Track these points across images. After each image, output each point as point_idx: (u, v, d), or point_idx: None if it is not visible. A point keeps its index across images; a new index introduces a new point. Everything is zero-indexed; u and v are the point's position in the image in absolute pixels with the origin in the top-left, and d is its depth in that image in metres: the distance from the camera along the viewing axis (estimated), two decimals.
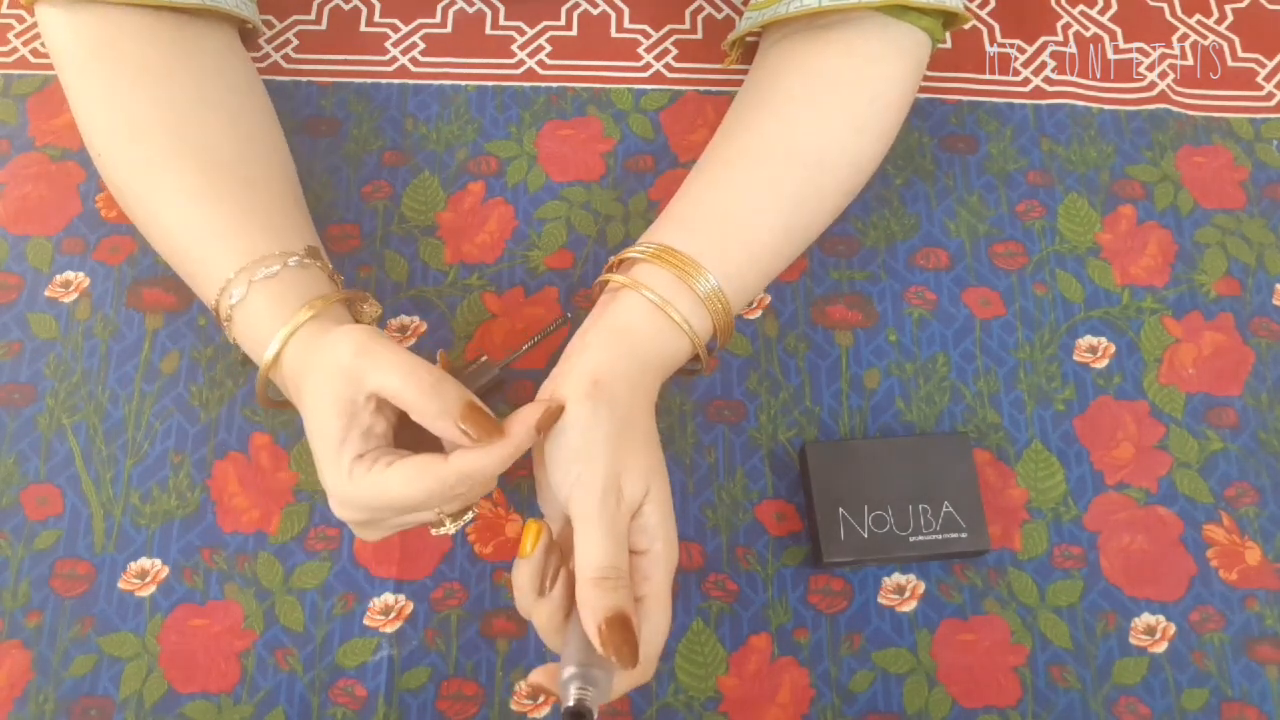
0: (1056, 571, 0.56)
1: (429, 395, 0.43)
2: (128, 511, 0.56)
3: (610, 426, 0.45)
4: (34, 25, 0.67)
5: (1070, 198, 0.65)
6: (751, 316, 0.61)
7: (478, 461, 0.44)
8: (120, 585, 0.54)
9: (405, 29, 0.68)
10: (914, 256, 0.63)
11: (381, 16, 0.69)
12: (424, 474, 0.44)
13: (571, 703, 0.41)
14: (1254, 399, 0.60)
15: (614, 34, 0.69)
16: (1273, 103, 0.68)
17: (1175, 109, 0.67)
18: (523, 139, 0.65)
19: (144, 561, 0.55)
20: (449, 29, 0.69)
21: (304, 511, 0.56)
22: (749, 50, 0.64)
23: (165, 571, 0.55)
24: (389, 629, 0.54)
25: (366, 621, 0.54)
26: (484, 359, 0.56)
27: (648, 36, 0.69)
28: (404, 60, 0.67)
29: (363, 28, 0.68)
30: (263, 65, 0.67)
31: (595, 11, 0.70)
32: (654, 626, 0.45)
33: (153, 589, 0.55)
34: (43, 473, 0.56)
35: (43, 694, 0.52)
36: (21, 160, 0.64)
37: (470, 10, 0.69)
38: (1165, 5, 0.71)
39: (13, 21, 0.68)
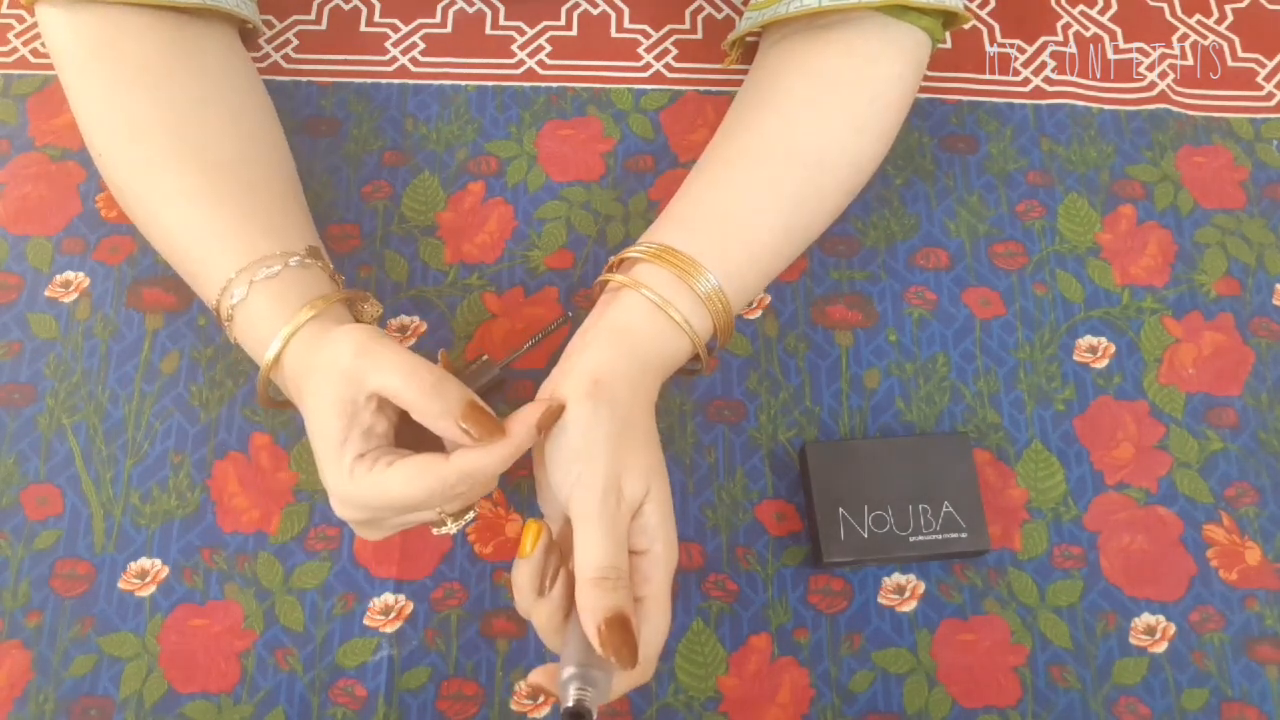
0: (1056, 571, 0.56)
1: (430, 395, 0.43)
2: (128, 511, 0.56)
3: (610, 426, 0.45)
4: (34, 25, 0.67)
5: (1070, 198, 0.65)
6: (751, 316, 0.61)
7: (479, 461, 0.44)
8: (120, 585, 0.54)
9: (405, 29, 0.68)
10: (914, 256, 0.63)
11: (381, 16, 0.69)
12: (425, 473, 0.44)
13: (571, 703, 0.41)
14: (1254, 399, 0.60)
15: (614, 34, 0.69)
16: (1273, 103, 0.68)
17: (1175, 109, 0.67)
18: (523, 139, 0.65)
19: (144, 561, 0.55)
20: (449, 29, 0.69)
21: (304, 511, 0.56)
22: (749, 50, 0.64)
23: (165, 571, 0.55)
24: (389, 629, 0.54)
25: (366, 621, 0.54)
26: (484, 359, 0.56)
27: (648, 36, 0.69)
28: (404, 60, 0.67)
29: (363, 28, 0.68)
30: (263, 65, 0.67)
31: (595, 11, 0.70)
32: (654, 627, 0.45)
33: (153, 589, 0.55)
34: (43, 473, 0.56)
35: (43, 694, 0.52)
36: (21, 160, 0.64)
37: (470, 10, 0.69)
38: (1165, 5, 0.71)
39: (13, 21, 0.68)
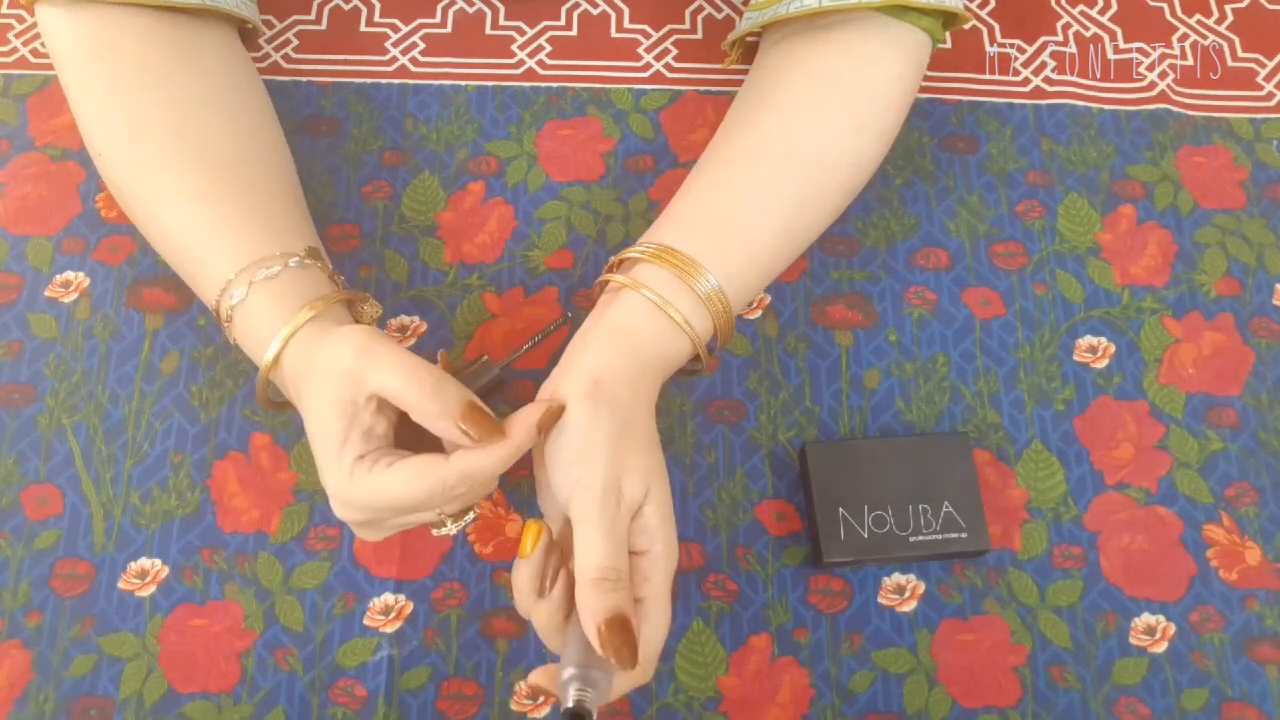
0: (1056, 571, 0.56)
1: (430, 396, 0.43)
2: (128, 511, 0.56)
3: (611, 427, 0.45)
4: (34, 25, 0.67)
5: (1070, 198, 0.65)
6: (751, 316, 0.61)
7: (478, 462, 0.44)
8: (120, 585, 0.55)
9: (405, 29, 0.68)
10: (914, 256, 0.63)
11: (381, 16, 0.69)
12: (424, 474, 0.44)
13: (571, 704, 0.41)
14: (1254, 399, 0.60)
15: (614, 34, 0.69)
16: (1273, 103, 0.68)
17: (1175, 109, 0.67)
18: (523, 139, 0.65)
19: (144, 561, 0.55)
20: (449, 29, 0.69)
21: (304, 511, 0.56)
22: (749, 50, 0.64)
23: (165, 571, 0.55)
24: (389, 629, 0.54)
25: (366, 621, 0.54)
26: (484, 359, 0.56)
27: (648, 36, 0.69)
28: (404, 60, 0.67)
29: (363, 28, 0.68)
30: (263, 65, 0.67)
31: (595, 11, 0.70)
32: (654, 627, 0.45)
33: (153, 589, 0.55)
34: (43, 473, 0.56)
35: (43, 694, 0.52)
36: (21, 160, 0.64)
37: (470, 10, 0.69)
38: (1165, 5, 0.71)
39: (13, 21, 0.68)
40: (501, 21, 0.69)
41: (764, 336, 0.61)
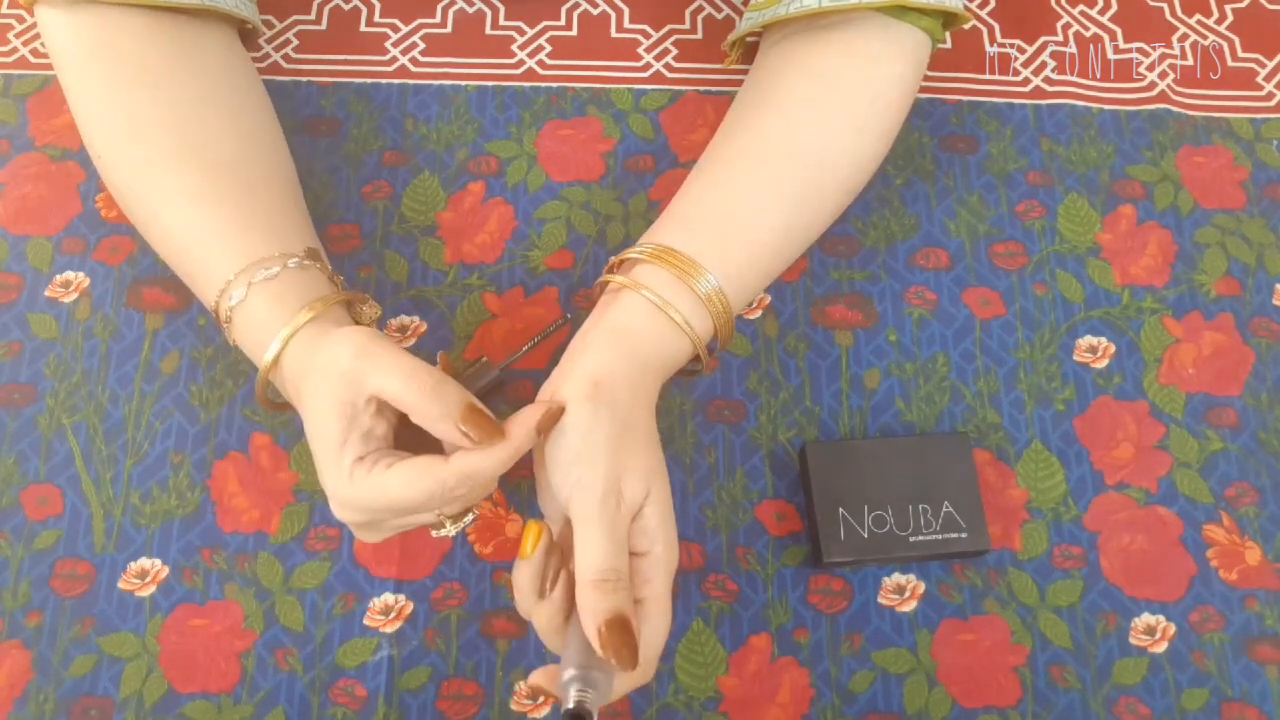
0: (1056, 571, 0.56)
1: (429, 398, 0.43)
2: (128, 511, 0.56)
3: (611, 428, 0.45)
4: (34, 25, 0.67)
5: (1070, 198, 0.65)
6: (751, 316, 0.61)
7: (478, 463, 0.44)
8: (120, 585, 0.55)
9: (405, 29, 0.68)
10: (914, 256, 0.63)
11: (381, 16, 0.69)
12: (424, 475, 0.44)
13: (571, 704, 0.41)
14: (1254, 399, 0.60)
15: (614, 34, 0.69)
16: (1273, 103, 0.68)
17: (1175, 109, 0.67)
18: (523, 139, 0.65)
19: (144, 561, 0.55)
20: (449, 29, 0.68)
21: (304, 511, 0.56)
22: (749, 50, 0.64)
23: (165, 571, 0.55)
24: (389, 629, 0.54)
25: (366, 621, 0.54)
26: (484, 360, 0.56)
27: (648, 36, 0.69)
28: (404, 60, 0.67)
29: (363, 28, 0.68)
30: (263, 65, 0.67)
31: (595, 11, 0.69)
32: (654, 628, 0.45)
33: (153, 589, 0.55)
34: (43, 473, 0.57)
35: (43, 694, 0.52)
36: (21, 160, 0.64)
37: (470, 10, 0.69)
38: (1165, 5, 0.71)
39: (13, 21, 0.68)
40: (501, 21, 0.69)
41: (764, 336, 0.61)
